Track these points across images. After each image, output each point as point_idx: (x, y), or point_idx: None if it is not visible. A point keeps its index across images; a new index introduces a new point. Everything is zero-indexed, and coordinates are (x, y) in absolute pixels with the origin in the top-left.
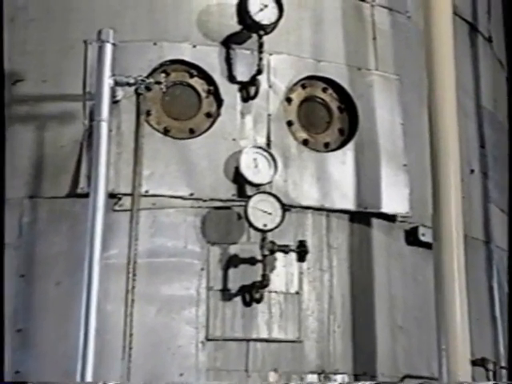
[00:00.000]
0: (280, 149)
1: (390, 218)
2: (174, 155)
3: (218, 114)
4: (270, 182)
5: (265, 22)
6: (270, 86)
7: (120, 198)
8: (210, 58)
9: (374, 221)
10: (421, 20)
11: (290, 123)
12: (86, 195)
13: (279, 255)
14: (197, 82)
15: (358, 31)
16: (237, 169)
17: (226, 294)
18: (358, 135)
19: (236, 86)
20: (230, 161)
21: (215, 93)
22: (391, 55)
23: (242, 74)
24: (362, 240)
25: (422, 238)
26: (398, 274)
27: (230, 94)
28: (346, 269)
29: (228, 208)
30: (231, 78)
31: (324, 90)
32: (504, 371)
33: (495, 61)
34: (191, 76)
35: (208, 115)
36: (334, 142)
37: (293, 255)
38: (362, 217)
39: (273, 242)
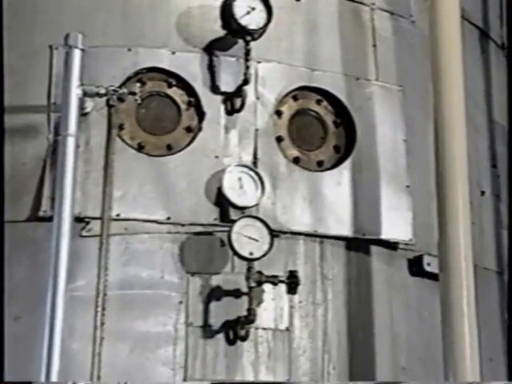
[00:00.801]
0: (268, 167)
1: (391, 246)
2: (150, 174)
3: (200, 129)
4: (256, 205)
5: (252, 26)
6: (258, 98)
7: (88, 223)
8: (191, 66)
9: (374, 249)
10: (426, 25)
11: (279, 139)
12: (50, 219)
13: (267, 287)
14: (176, 93)
15: (356, 37)
16: (219, 190)
17: (208, 331)
18: (355, 153)
19: (220, 98)
20: (211, 181)
21: (196, 105)
22: (393, 64)
23: (227, 84)
24: (360, 270)
25: (428, 268)
26: (400, 308)
27: (212, 106)
28: (342, 302)
29: (209, 234)
30: (214, 89)
31: (318, 102)
32: None
33: (509, 70)
34: (170, 86)
35: (188, 130)
36: (329, 161)
37: (282, 287)
38: (359, 244)
39: (260, 272)
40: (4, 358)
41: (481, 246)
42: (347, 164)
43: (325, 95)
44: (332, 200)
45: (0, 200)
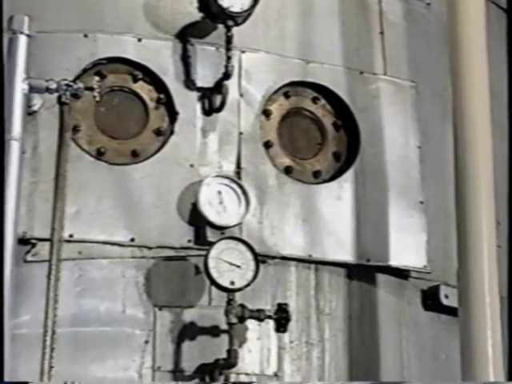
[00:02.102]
0: (254, 179)
1: (402, 274)
2: (110, 186)
3: (171, 132)
4: (239, 224)
5: (235, 8)
6: (242, 95)
7: (34, 245)
8: (161, 56)
9: (380, 277)
10: (443, 8)
11: (267, 144)
12: None
13: (251, 323)
14: (143, 88)
15: (359, 23)
16: (195, 206)
17: (179, 377)
18: (359, 162)
19: (196, 94)
20: (185, 195)
21: (167, 103)
22: (404, 55)
23: (204, 78)
24: (364, 303)
25: (445, 301)
26: (412, 349)
27: (187, 104)
28: (342, 342)
29: (182, 259)
30: (189, 84)
31: (314, 100)
32: None
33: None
34: (135, 80)
35: (157, 133)
36: (327, 171)
37: (270, 323)
38: (363, 272)
39: (243, 306)
40: (4, 358)
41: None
42: (349, 175)
43: (322, 92)
44: (330, 218)
45: (0, 191)
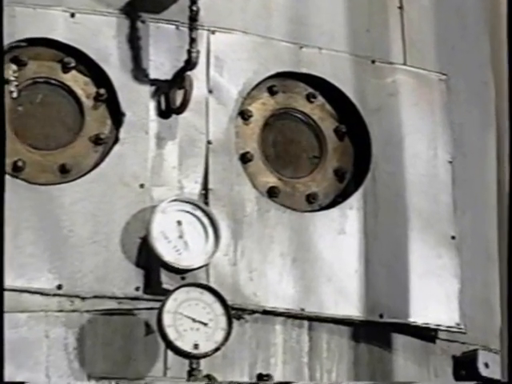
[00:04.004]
0: (227, 204)
1: (427, 335)
2: (30, 214)
3: (115, 140)
4: (205, 265)
5: None
6: (211, 91)
7: None
8: (101, 38)
9: (398, 339)
10: None
11: (245, 157)
12: None
13: None
14: (76, 81)
15: None
16: (145, 241)
17: None
18: (369, 182)
19: (148, 89)
20: (132, 226)
21: (110, 100)
22: (431, 38)
23: (160, 68)
24: (376, 372)
25: (484, 372)
26: None
27: (136, 102)
28: None
29: (128, 313)
30: (139, 75)
31: (309, 98)
32: None
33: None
34: (66, 69)
35: (96, 141)
36: (326, 194)
37: None
38: (374, 332)
39: (210, 378)
40: (4, 358)
41: None
42: (355, 200)
43: (320, 87)
44: (330, 259)
45: (0, 200)
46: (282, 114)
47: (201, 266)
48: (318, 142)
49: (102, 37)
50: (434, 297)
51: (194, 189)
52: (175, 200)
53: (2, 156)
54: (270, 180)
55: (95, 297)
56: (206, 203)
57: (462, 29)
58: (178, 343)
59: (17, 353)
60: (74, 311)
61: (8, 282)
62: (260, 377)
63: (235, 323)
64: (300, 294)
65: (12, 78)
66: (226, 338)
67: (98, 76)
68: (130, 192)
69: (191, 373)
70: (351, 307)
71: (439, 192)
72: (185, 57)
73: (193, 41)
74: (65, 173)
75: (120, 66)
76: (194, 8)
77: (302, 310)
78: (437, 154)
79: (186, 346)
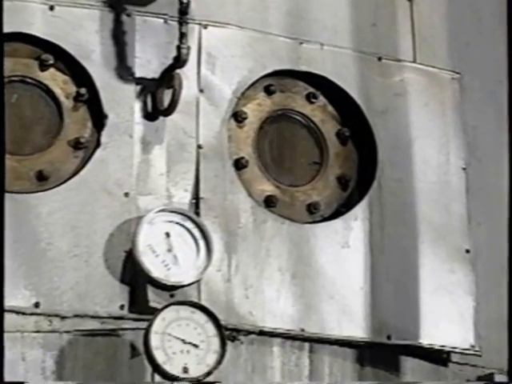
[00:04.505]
0: (220, 215)
1: (439, 358)
2: (6, 224)
3: (97, 144)
4: (197, 282)
5: None
6: (202, 90)
7: None
8: (83, 33)
9: (407, 362)
10: None
11: (240, 163)
12: None
13: None
14: (55, 79)
15: None
16: (130, 255)
17: None
18: (375, 190)
19: (133, 89)
20: (116, 238)
21: (91, 101)
22: (443, 33)
23: (147, 65)
24: None
25: None
26: None
27: (121, 103)
28: None
29: (111, 334)
30: (124, 73)
31: (310, 98)
32: None
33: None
34: (44, 66)
35: (76, 145)
36: (328, 203)
37: None
38: (381, 354)
39: None
40: (4, 358)
41: None
42: (360, 210)
43: (322, 87)
44: (332, 274)
45: (0, 199)
46: (280, 116)
47: (191, 282)
48: (319, 146)
49: (83, 31)
50: (447, 316)
51: (183, 198)
52: (163, 210)
53: (1, 157)
54: (267, 188)
55: (76, 316)
56: (197, 213)
57: (476, 23)
58: (167, 367)
59: None
60: (52, 332)
61: None
62: None
63: (229, 345)
64: (300, 313)
65: None
66: (219, 362)
67: (78, 74)
68: (114, 201)
69: None
70: (356, 327)
71: (452, 201)
72: (174, 53)
73: (183, 36)
74: (42, 180)
75: (103, 64)
76: (185, 0)
77: (302, 330)
78: (449, 159)
79: (175, 370)
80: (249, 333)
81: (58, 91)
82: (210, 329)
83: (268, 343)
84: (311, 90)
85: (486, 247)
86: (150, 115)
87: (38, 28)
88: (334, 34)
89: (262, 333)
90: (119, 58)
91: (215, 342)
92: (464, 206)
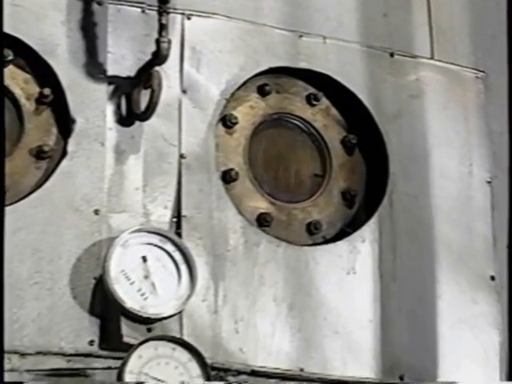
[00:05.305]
0: (205, 236)
1: None
2: None
3: (63, 153)
4: (178, 314)
5: None
6: (185, 91)
7: None
8: (47, 24)
9: None
10: None
11: (229, 176)
12: None
13: None
14: (14, 78)
15: None
16: (101, 282)
17: None
18: (385, 207)
19: (106, 89)
20: (85, 263)
21: (56, 103)
22: (465, 27)
23: (121, 62)
24: None
25: None
26: None
27: (90, 105)
28: None
29: (80, 374)
30: (95, 70)
31: (310, 99)
32: None
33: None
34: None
35: (38, 154)
36: (332, 223)
37: None
38: None
39: None
40: (4, 358)
41: None
42: (369, 231)
43: (325, 87)
44: (337, 306)
45: (1, 199)
46: (276, 121)
47: (172, 314)
48: (321, 156)
49: (47, 23)
50: (469, 353)
51: (162, 216)
52: (139, 230)
53: (1, 157)
54: (260, 205)
55: (38, 353)
56: (179, 234)
57: (502, 14)
58: None
59: None
60: (11, 370)
61: None
62: None
63: None
64: (298, 351)
65: None
66: None
67: (41, 72)
68: (82, 219)
69: None
70: (363, 367)
71: (475, 220)
72: (152, 48)
73: (163, 27)
74: None
75: (70, 60)
76: None
77: (301, 370)
78: (471, 171)
79: None
80: (239, 373)
81: (17, 92)
82: (194, 368)
83: None
84: (312, 90)
85: None
86: (125, 120)
87: None
88: (339, 25)
89: (254, 373)
90: (89, 53)
91: None
92: (489, 225)
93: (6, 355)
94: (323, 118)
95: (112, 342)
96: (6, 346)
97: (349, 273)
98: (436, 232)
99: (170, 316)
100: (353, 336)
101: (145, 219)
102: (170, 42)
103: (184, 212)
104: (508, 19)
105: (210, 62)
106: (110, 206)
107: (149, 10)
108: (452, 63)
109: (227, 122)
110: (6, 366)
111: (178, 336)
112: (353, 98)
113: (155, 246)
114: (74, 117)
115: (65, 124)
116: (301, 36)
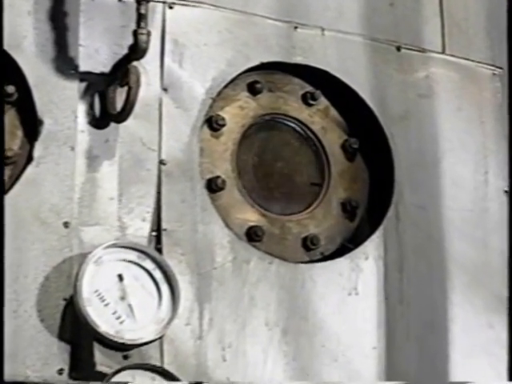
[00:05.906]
0: (188, 252)
1: None
2: None
3: (29, 159)
4: (158, 339)
5: None
6: (166, 89)
7: None
8: (13, 14)
9: None
10: None
11: (215, 185)
12: None
13: None
14: None
15: None
16: (71, 304)
17: None
18: (391, 220)
19: (77, 87)
20: (53, 282)
21: (22, 102)
22: (480, 19)
23: (94, 56)
24: None
25: None
26: None
27: (60, 105)
28: None
29: None
30: (65, 66)
31: (307, 99)
32: None
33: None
34: None
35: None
36: (331, 238)
37: None
38: None
39: None
40: (4, 358)
41: None
42: (372, 247)
43: (323, 84)
44: (337, 331)
45: (0, 200)
46: (268, 123)
47: (152, 339)
48: (319, 162)
49: (13, 13)
50: (482, 376)
51: (140, 229)
52: (114, 245)
53: (1, 157)
54: (250, 217)
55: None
56: (159, 250)
57: None
58: None
59: None
60: None
61: None
62: None
63: None
64: (293, 381)
65: None
66: None
67: (5, 68)
68: (50, 233)
69: None
70: None
71: (490, 234)
72: (130, 41)
73: (141, 18)
74: None
75: (37, 54)
76: None
77: None
78: (487, 179)
79: None
80: None
81: None
82: None
83: None
84: (309, 88)
85: None
86: (98, 121)
87: None
88: (339, 15)
89: None
90: (58, 46)
91: None
92: (506, 240)
93: None
94: (321, 119)
95: (84, 371)
96: None
97: (350, 293)
98: (447, 248)
99: (150, 342)
100: (354, 365)
101: (120, 233)
102: (149, 33)
103: (164, 225)
104: (508, 19)
105: (194, 56)
106: (82, 218)
107: None
108: (466, 58)
109: (213, 123)
110: None
111: (157, 364)
112: (354, 97)
113: (132, 263)
114: (41, 118)
115: (31, 126)
116: (296, 27)
